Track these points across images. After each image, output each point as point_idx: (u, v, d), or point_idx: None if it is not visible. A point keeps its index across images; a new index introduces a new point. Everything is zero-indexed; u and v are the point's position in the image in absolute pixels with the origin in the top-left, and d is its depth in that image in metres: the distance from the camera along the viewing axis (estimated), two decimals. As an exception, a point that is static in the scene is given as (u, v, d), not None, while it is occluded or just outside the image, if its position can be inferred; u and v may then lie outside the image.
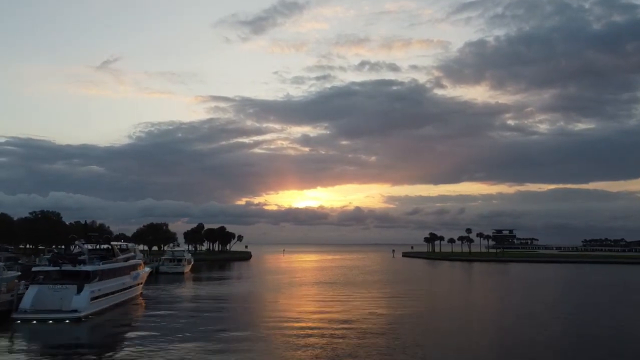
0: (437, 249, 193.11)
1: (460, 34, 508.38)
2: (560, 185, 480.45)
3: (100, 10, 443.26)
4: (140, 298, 50.50)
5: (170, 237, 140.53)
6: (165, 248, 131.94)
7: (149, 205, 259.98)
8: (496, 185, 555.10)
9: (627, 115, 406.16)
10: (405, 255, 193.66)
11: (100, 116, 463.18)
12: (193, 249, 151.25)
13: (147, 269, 56.48)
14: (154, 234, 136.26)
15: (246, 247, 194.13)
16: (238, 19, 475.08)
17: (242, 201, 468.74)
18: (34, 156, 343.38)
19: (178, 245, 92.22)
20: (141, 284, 51.08)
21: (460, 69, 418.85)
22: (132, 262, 47.54)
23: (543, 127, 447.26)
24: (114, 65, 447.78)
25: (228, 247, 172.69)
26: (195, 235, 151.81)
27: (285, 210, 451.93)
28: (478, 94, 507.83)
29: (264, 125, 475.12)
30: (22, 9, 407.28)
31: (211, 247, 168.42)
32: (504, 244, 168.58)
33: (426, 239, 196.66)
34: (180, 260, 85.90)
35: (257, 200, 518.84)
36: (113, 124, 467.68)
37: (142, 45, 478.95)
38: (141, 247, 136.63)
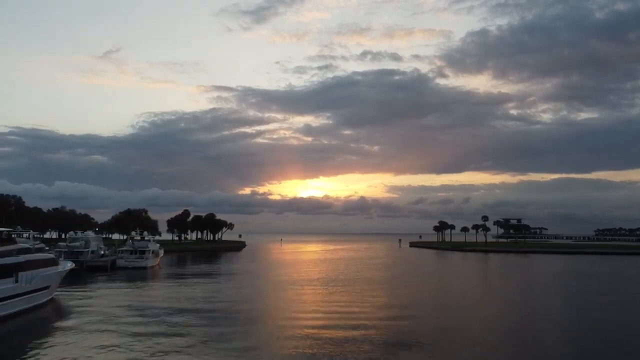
0: (445, 239, 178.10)
1: (463, 23, 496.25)
2: (563, 175, 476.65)
3: (102, 0, 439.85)
4: (55, 304, 35.31)
5: (151, 225, 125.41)
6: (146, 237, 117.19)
7: (154, 195, 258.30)
8: (499, 175, 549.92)
9: (629, 105, 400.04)
10: (412, 245, 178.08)
11: (102, 106, 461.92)
12: (177, 238, 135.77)
13: (69, 265, 41.05)
14: (132, 222, 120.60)
15: (240, 236, 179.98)
16: (239, 8, 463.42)
17: (245, 191, 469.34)
18: (38, 146, 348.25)
19: (142, 234, 76.19)
20: (46, 288, 35.35)
21: (462, 58, 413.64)
22: (19, 258, 31.57)
23: (546, 117, 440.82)
24: (116, 55, 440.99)
25: (220, 235, 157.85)
26: (180, 223, 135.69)
27: (289, 199, 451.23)
28: (480, 83, 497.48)
29: (266, 115, 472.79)
30: (25, 0, 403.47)
31: (201, 236, 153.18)
32: (523, 234, 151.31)
33: (436, 228, 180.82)
34: (143, 252, 70.10)
35: (261, 189, 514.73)
36: (116, 114, 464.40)
37: (144, 34, 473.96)
38: (117, 236, 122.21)
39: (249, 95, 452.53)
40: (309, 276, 62.12)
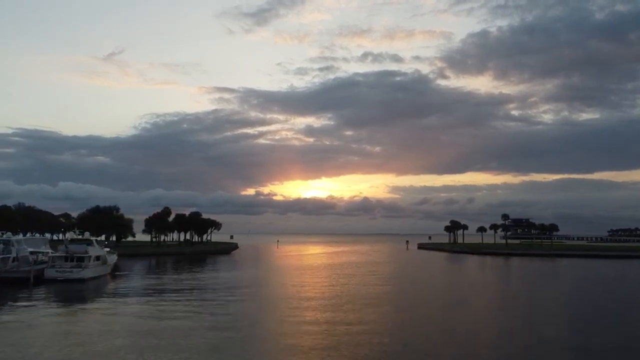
0: (457, 240, 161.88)
1: (463, 25, 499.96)
2: (566, 176, 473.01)
3: (105, 1, 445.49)
4: None
5: (124, 224, 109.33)
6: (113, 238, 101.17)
7: (159, 195, 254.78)
8: (501, 176, 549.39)
9: (631, 105, 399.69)
10: (421, 247, 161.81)
11: (105, 107, 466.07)
12: (155, 239, 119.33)
13: None
14: (102, 221, 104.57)
15: (231, 237, 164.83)
16: (241, 10, 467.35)
17: (247, 191, 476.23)
18: (41, 147, 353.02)
19: (82, 234, 59.82)
20: None
21: (463, 59, 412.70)
22: None
23: (547, 117, 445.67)
24: (119, 56, 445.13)
25: (208, 236, 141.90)
26: (160, 223, 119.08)
27: (293, 200, 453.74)
28: (481, 84, 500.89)
29: (268, 116, 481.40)
30: (28, 1, 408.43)
31: (189, 238, 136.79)
32: (551, 235, 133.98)
33: (447, 228, 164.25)
34: (81, 259, 53.58)
35: (264, 190, 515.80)
36: (118, 115, 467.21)
37: (146, 36, 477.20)
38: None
39: (250, 96, 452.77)
40: (301, 293, 45.76)
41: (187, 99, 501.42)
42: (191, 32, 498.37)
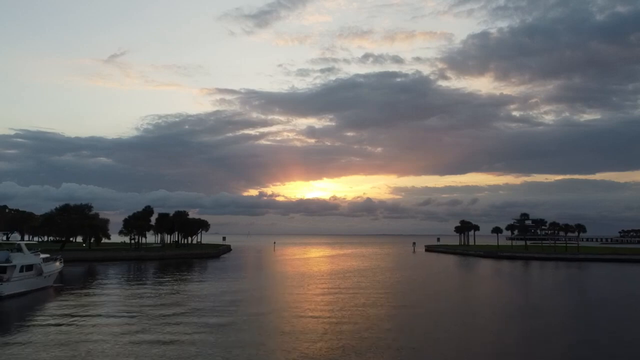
0: (468, 241, 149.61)
1: (463, 26, 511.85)
2: (567, 176, 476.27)
3: (107, 3, 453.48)
4: None
5: (98, 225, 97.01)
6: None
7: (162, 196, 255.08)
8: (503, 176, 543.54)
9: (632, 106, 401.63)
10: (429, 249, 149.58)
11: (107, 108, 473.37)
12: (134, 240, 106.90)
13: None
14: (72, 221, 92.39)
15: (224, 238, 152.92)
16: (242, 12, 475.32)
17: (249, 192, 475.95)
18: (44, 148, 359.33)
19: (7, 235, 47.80)
20: None
21: (464, 60, 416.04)
22: None
23: (548, 118, 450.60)
24: (121, 58, 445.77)
25: (198, 237, 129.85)
26: (141, 223, 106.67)
27: (295, 201, 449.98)
28: (482, 85, 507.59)
29: (270, 117, 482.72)
30: (31, 3, 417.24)
31: (178, 239, 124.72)
32: (577, 236, 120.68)
33: (457, 229, 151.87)
34: (2, 271, 41.09)
35: (267, 191, 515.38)
36: (120, 116, 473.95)
37: (148, 38, 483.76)
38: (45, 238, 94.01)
39: (252, 97, 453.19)
40: (287, 325, 33.54)
41: (189, 100, 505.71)
42: (193, 34, 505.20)
